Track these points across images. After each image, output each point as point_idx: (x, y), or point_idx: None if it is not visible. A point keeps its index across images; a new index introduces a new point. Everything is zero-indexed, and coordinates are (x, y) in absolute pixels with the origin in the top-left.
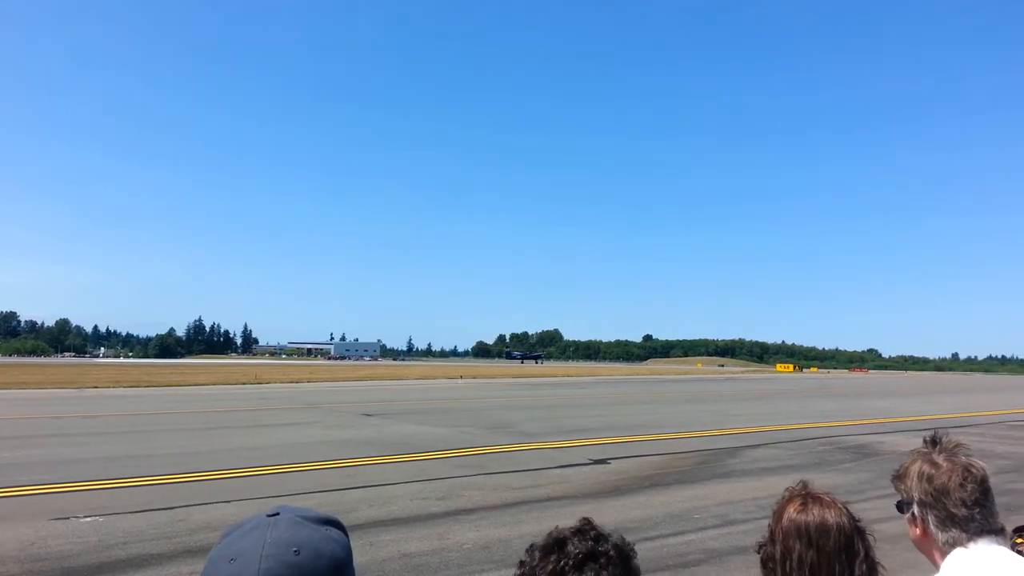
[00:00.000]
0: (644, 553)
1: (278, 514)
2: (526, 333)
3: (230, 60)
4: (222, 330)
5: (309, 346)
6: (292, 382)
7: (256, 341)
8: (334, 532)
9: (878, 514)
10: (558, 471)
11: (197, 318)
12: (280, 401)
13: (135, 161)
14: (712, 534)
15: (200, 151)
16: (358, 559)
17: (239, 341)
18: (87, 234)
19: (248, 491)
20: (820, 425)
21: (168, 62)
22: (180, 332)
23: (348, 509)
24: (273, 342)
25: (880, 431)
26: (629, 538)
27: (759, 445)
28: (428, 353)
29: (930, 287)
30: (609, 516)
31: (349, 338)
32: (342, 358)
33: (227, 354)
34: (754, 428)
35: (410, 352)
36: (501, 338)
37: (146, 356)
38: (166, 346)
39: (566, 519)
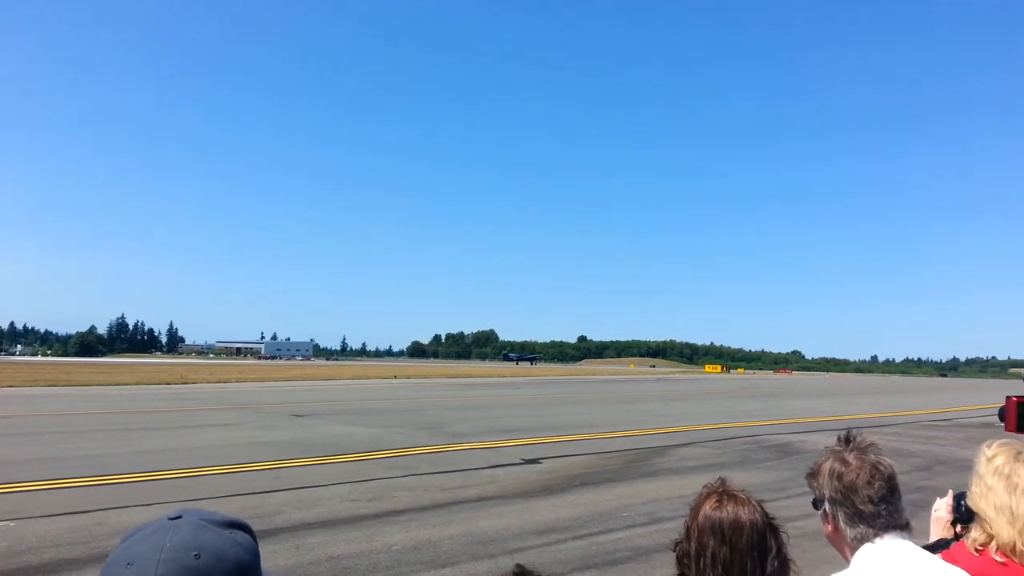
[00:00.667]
0: (573, 552)
1: (180, 517)
2: (462, 333)
3: (154, 53)
4: (146, 328)
5: (238, 345)
6: (220, 382)
7: (182, 340)
8: (239, 535)
9: (799, 511)
10: (489, 471)
11: (120, 315)
12: (206, 402)
13: (53, 155)
14: (640, 532)
15: (122, 145)
16: (283, 563)
17: (164, 340)
18: (1, 228)
19: (169, 494)
20: (745, 424)
21: (87, 53)
22: (102, 330)
23: (274, 512)
24: (200, 341)
25: (802, 430)
26: (559, 536)
27: (686, 444)
28: (363, 353)
29: (851, 292)
30: (539, 516)
31: (281, 337)
32: (273, 358)
33: (151, 353)
34: (682, 428)
35: (344, 352)
36: (437, 338)
37: (65, 354)
38: (87, 344)
39: (496, 519)
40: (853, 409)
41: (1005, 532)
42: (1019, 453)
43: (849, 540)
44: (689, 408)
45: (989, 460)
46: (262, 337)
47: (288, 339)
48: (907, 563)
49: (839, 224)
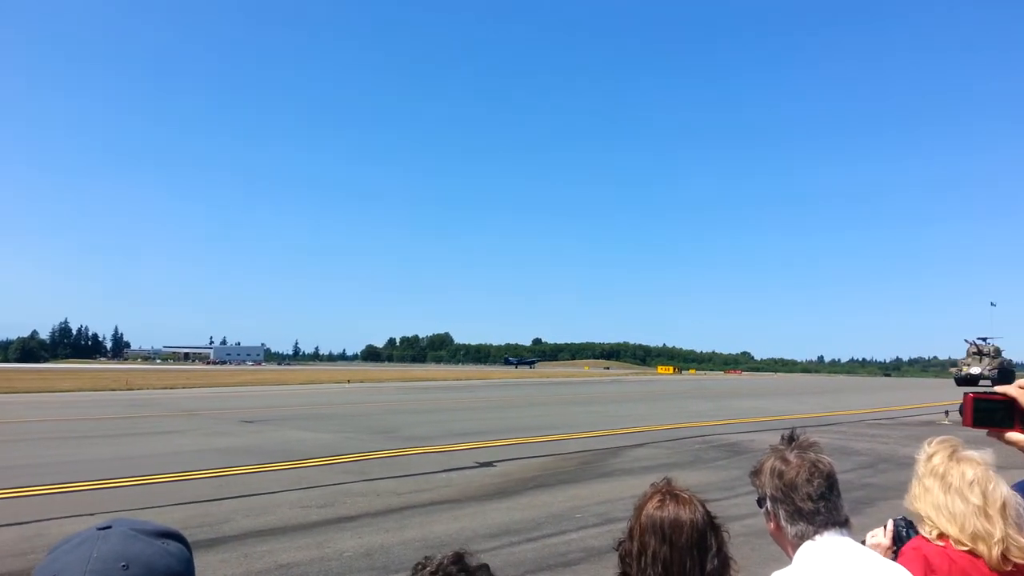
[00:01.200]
0: (526, 554)
1: (110, 527)
2: (416, 336)
3: (97, 55)
4: (90, 333)
5: (186, 350)
6: (167, 388)
7: (128, 345)
8: (172, 545)
9: (747, 509)
10: (444, 475)
11: (63, 320)
12: (153, 408)
13: None
14: (592, 532)
15: (63, 145)
16: (231, 572)
17: (109, 345)
18: None
19: (113, 503)
20: (697, 424)
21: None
22: (44, 335)
23: (222, 520)
24: (147, 346)
25: (751, 430)
26: (513, 539)
27: (640, 445)
28: (315, 357)
29: (798, 294)
30: (493, 518)
31: (230, 342)
32: (222, 363)
33: (96, 359)
34: (636, 428)
35: (296, 356)
36: (391, 341)
37: (5, 360)
38: (28, 350)
39: (450, 523)
40: (800, 408)
41: (950, 530)
42: (955, 451)
43: (790, 537)
44: (642, 409)
45: (928, 460)
46: (211, 342)
47: (238, 344)
48: (847, 559)
49: (786, 227)
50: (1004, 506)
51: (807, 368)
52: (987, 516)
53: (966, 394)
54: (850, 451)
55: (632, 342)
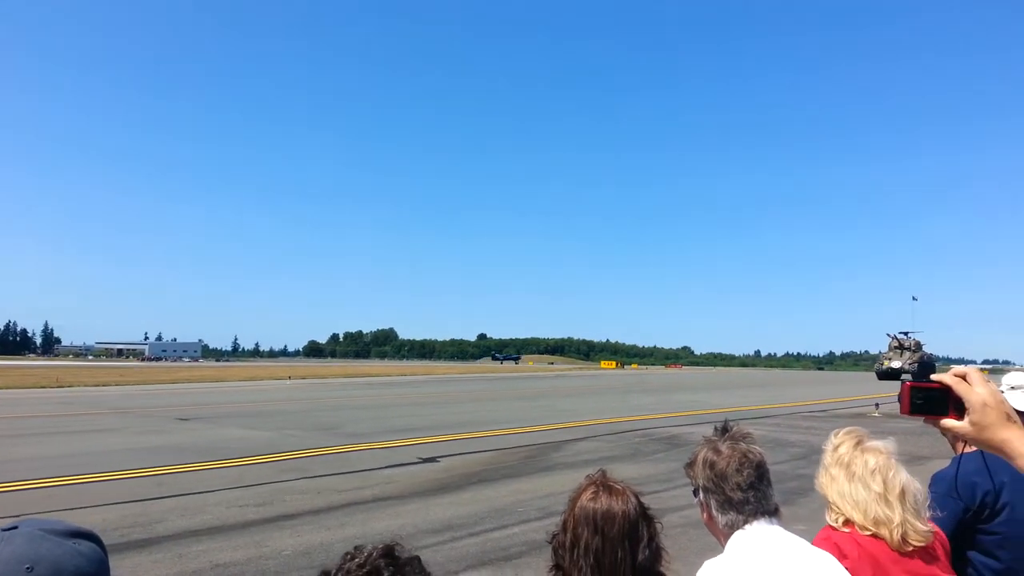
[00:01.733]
0: (468, 549)
1: (16, 528)
2: (360, 332)
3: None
4: (19, 329)
5: (120, 347)
6: (99, 385)
7: (58, 341)
8: (84, 545)
9: (685, 500)
10: (386, 471)
11: None
12: (84, 406)
13: None
14: (534, 526)
15: None
16: (164, 573)
17: (39, 341)
18: None
19: (41, 504)
20: (638, 418)
21: None
22: None
23: (156, 519)
24: (79, 342)
25: (690, 423)
26: (455, 534)
27: (582, 439)
28: (256, 353)
29: (737, 291)
30: (436, 514)
31: (167, 338)
32: (158, 359)
33: (24, 355)
34: (578, 423)
35: (236, 352)
36: (334, 337)
37: None
38: None
39: (392, 519)
40: (738, 401)
41: (855, 516)
42: (860, 441)
43: (721, 527)
44: (585, 403)
45: (834, 450)
46: (146, 338)
47: (175, 340)
48: (775, 546)
49: (725, 229)
50: (903, 492)
51: (745, 362)
52: (887, 502)
53: (903, 383)
54: (785, 443)
55: (576, 337)
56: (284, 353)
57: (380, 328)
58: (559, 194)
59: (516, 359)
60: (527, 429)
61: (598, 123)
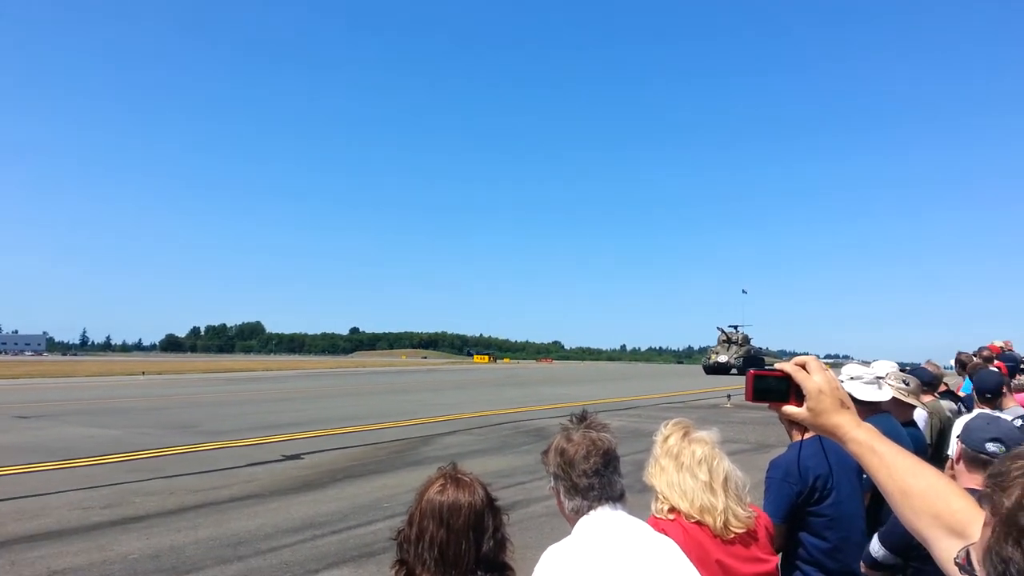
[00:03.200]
0: (330, 547)
1: None
2: (224, 325)
3: None
4: None
5: None
6: None
7: None
8: None
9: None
10: (247, 469)
11: None
12: None
13: None
14: (399, 521)
15: None
16: None
17: None
18: None
19: None
20: (508, 411)
21: None
22: None
23: None
24: None
25: (558, 415)
26: (316, 532)
27: (452, 432)
28: (107, 347)
29: (604, 287)
30: (297, 512)
31: (7, 330)
32: None
33: None
34: (449, 416)
35: (85, 346)
36: (195, 331)
37: None
38: None
39: (250, 519)
40: (603, 393)
41: (682, 505)
42: (687, 432)
43: (567, 512)
44: (457, 397)
45: (664, 441)
46: None
47: (15, 332)
48: (616, 530)
49: (591, 226)
50: (726, 480)
51: (611, 356)
52: (712, 490)
53: (748, 371)
54: (644, 433)
55: (450, 332)
56: (139, 347)
57: (246, 321)
58: (435, 189)
59: (492, 356)
60: (397, 424)
61: (467, 118)
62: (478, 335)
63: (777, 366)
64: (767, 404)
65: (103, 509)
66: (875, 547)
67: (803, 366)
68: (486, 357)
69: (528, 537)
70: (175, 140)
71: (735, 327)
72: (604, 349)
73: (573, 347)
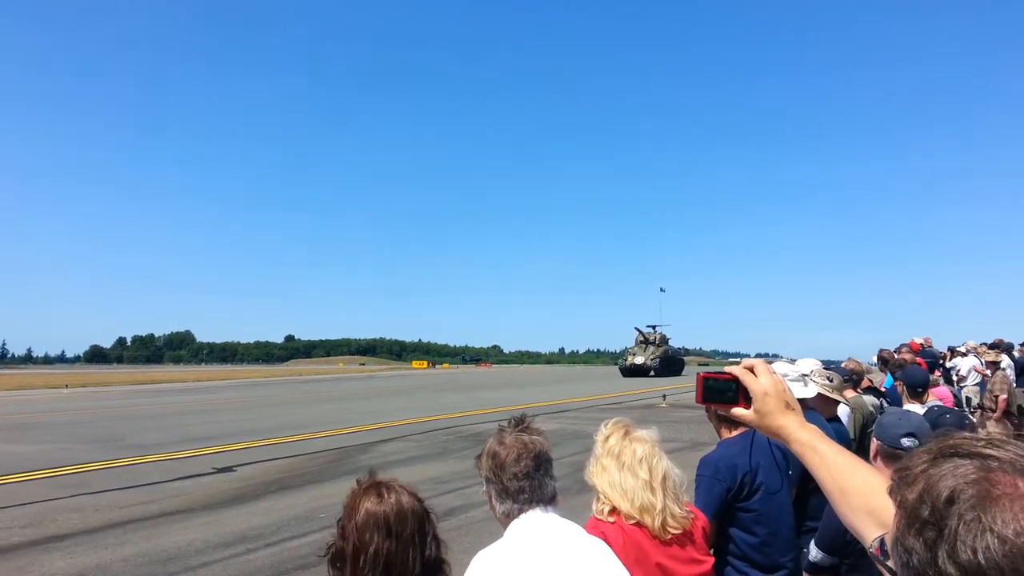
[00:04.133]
0: (264, 560)
1: None
2: (152, 335)
3: None
4: None
5: None
6: None
7: None
8: None
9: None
10: (176, 483)
11: None
12: None
13: None
14: (328, 537)
15: None
16: None
17: None
18: None
19: None
20: (447, 416)
21: None
22: None
23: None
24: None
25: (497, 419)
26: (249, 546)
27: (391, 439)
28: (29, 359)
29: (542, 290)
30: (229, 526)
31: None
32: None
33: None
34: (388, 423)
35: (4, 359)
36: (121, 341)
37: None
38: None
39: (179, 535)
40: (542, 396)
41: (622, 504)
42: (627, 431)
43: (499, 515)
44: (396, 403)
45: (605, 440)
46: None
47: None
48: (547, 533)
49: (531, 231)
50: (665, 479)
51: (550, 359)
52: (652, 489)
53: (698, 374)
54: (581, 434)
55: (388, 338)
56: (62, 359)
57: (175, 331)
58: (371, 194)
59: (477, 361)
60: (333, 432)
61: (406, 124)
62: (416, 341)
63: (726, 369)
64: (716, 406)
65: (23, 528)
66: (813, 552)
67: (751, 369)
68: (425, 363)
69: (466, 542)
70: (89, 143)
71: (653, 327)
72: (543, 352)
73: (512, 351)
